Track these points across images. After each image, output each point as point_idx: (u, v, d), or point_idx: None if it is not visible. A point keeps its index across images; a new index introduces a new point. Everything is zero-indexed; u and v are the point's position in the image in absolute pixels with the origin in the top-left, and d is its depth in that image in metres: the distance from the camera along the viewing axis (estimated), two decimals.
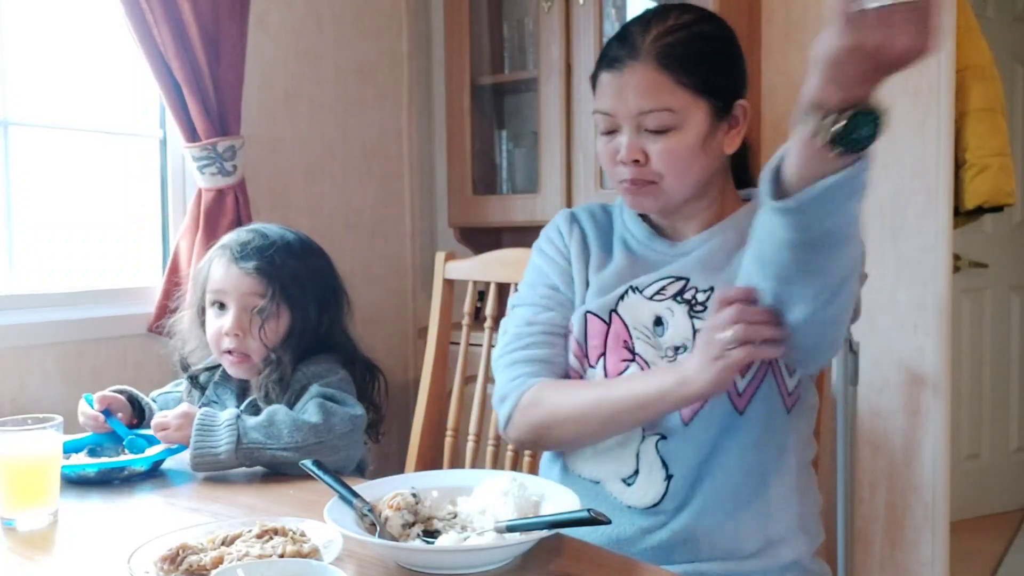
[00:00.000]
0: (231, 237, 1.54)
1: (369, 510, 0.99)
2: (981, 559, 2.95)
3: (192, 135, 2.02)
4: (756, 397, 1.12)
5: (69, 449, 1.34)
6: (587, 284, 1.24)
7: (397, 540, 0.96)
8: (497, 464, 1.63)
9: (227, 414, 1.33)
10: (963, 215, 2.26)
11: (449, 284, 1.74)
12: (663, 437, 1.13)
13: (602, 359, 1.18)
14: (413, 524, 0.98)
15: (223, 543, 0.94)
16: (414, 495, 1.00)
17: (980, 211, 2.27)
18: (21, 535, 1.08)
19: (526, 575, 0.92)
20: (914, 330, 2.13)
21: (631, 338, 1.17)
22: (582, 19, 2.30)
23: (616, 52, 1.15)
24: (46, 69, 2.00)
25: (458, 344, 1.70)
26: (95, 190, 2.11)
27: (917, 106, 2.07)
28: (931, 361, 2.11)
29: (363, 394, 1.50)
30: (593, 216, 1.31)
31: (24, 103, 1.95)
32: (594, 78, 1.19)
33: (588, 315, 1.20)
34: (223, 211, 2.05)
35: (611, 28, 2.36)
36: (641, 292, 1.18)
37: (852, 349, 2.07)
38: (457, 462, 1.67)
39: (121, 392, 1.51)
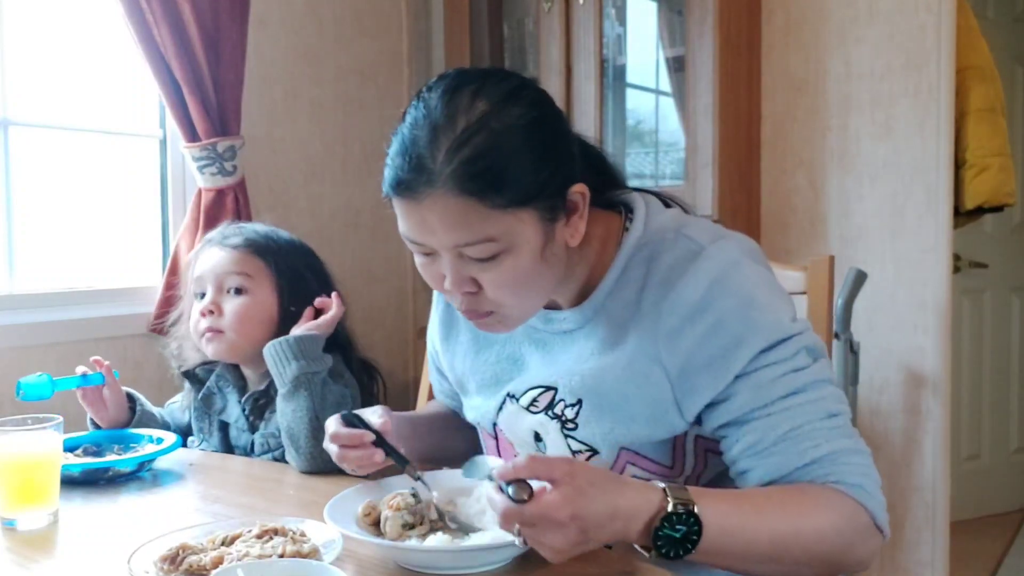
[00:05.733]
0: (214, 231, 1.59)
1: (418, 476, 1.02)
2: (981, 559, 2.95)
3: (192, 135, 2.02)
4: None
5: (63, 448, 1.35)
6: (454, 367, 1.20)
7: (397, 540, 0.96)
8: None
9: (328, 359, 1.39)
10: (963, 215, 2.26)
11: None
12: None
13: None
14: (413, 525, 0.98)
15: (223, 543, 0.94)
16: (414, 495, 1.00)
17: (980, 211, 2.27)
18: (21, 535, 1.08)
19: (525, 575, 0.91)
20: (914, 330, 2.12)
21: (519, 456, 1.11)
22: (582, 19, 2.30)
23: (404, 175, 0.90)
24: (46, 69, 2.00)
25: None
26: (95, 190, 2.11)
27: (917, 106, 2.07)
28: (931, 361, 2.11)
29: (366, 396, 1.50)
30: None
31: (24, 103, 1.95)
32: (388, 195, 0.95)
33: (480, 429, 1.18)
34: (223, 211, 2.04)
35: (611, 28, 2.36)
36: (517, 400, 1.09)
37: (852, 349, 2.07)
38: (457, 462, 1.67)
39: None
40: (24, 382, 1.40)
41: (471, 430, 1.29)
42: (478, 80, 0.93)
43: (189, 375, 1.57)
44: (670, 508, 0.84)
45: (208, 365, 1.55)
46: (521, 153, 0.90)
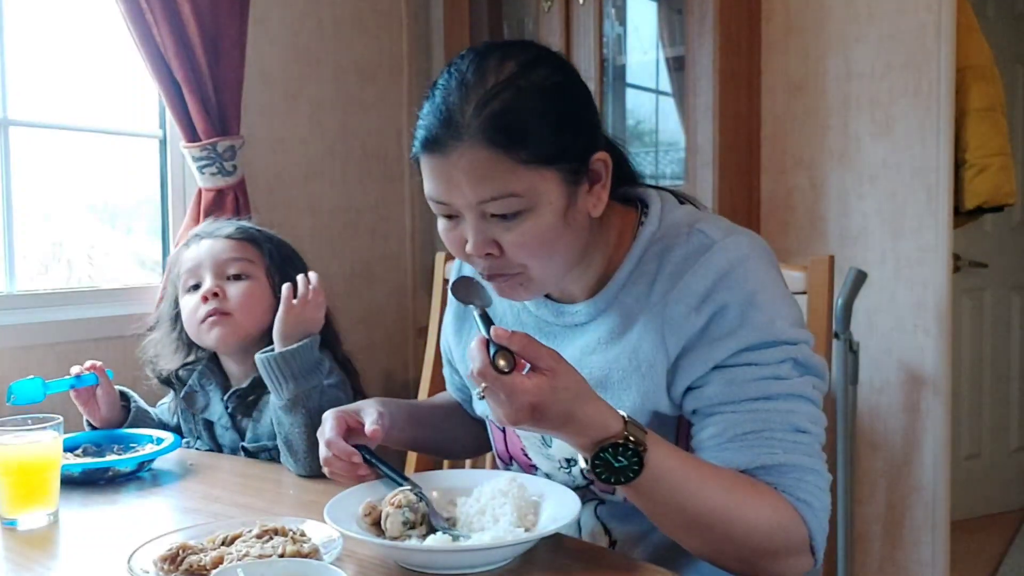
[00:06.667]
0: (198, 226, 1.59)
1: (420, 493, 1.00)
2: (981, 559, 2.95)
3: (192, 135, 2.02)
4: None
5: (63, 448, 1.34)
6: (465, 361, 1.19)
7: (398, 540, 0.96)
8: (497, 465, 1.62)
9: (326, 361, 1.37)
10: (963, 215, 2.26)
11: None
12: (601, 502, 1.09)
13: (513, 467, 1.18)
14: (414, 524, 0.98)
15: (223, 543, 0.94)
16: (416, 493, 1.00)
17: (980, 211, 2.27)
18: (21, 535, 1.08)
19: (526, 575, 0.92)
20: (914, 330, 2.13)
21: (525, 447, 1.14)
22: (582, 19, 2.30)
23: (435, 130, 0.93)
24: (46, 69, 2.00)
25: None
26: (95, 190, 2.11)
27: (917, 106, 2.07)
28: (931, 361, 2.11)
29: (355, 391, 1.49)
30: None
31: (24, 103, 1.95)
32: (416, 155, 0.98)
33: (488, 421, 1.20)
34: (223, 211, 2.04)
35: (611, 28, 2.36)
36: None
37: (852, 349, 2.07)
38: (457, 462, 1.66)
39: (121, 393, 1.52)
40: (15, 386, 1.39)
41: (475, 425, 1.31)
42: (506, 47, 0.97)
43: (169, 380, 1.56)
44: (621, 440, 0.88)
45: (189, 365, 1.55)
46: (547, 112, 0.93)
